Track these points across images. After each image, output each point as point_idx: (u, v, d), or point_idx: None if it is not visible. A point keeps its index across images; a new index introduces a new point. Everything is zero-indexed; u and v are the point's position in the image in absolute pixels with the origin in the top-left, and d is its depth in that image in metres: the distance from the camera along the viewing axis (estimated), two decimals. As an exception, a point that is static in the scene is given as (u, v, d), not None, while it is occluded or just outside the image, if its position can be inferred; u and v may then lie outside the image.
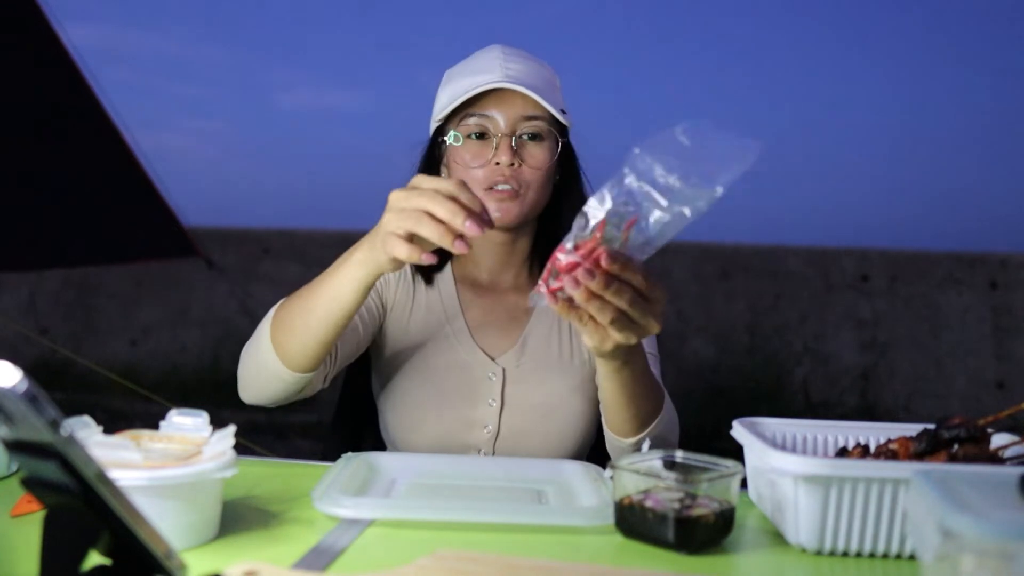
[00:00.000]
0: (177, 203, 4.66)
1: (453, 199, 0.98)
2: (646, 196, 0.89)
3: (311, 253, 6.30)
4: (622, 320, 0.95)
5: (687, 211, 0.89)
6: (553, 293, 0.94)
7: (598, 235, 0.91)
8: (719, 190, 0.88)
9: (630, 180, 0.89)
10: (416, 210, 0.99)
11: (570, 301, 0.95)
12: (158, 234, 4.75)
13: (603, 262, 0.91)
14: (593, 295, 0.93)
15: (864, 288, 5.88)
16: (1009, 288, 5.71)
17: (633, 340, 0.99)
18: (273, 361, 1.17)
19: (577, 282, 0.91)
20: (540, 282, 0.95)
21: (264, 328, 1.19)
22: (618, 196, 0.90)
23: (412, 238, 1.01)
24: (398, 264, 1.04)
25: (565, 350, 1.40)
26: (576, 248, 0.92)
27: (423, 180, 1.01)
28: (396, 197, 1.02)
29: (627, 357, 1.09)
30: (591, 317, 0.96)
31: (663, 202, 0.89)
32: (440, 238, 0.98)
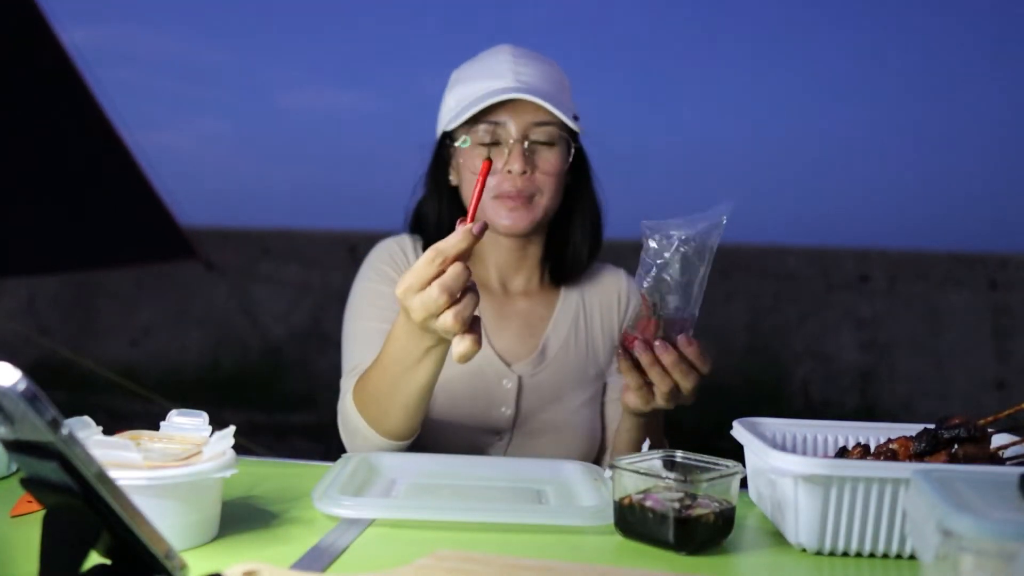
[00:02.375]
0: (177, 203, 4.66)
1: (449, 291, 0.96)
2: (668, 247, 1.05)
3: (311, 253, 6.30)
4: (674, 392, 1.08)
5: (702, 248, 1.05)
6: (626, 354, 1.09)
7: (645, 311, 1.07)
8: (723, 218, 1.04)
9: (652, 242, 1.06)
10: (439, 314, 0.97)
11: (636, 364, 1.08)
12: (157, 237, 4.75)
13: (663, 354, 1.05)
14: (655, 362, 1.06)
15: (864, 288, 5.88)
16: (1009, 288, 5.72)
17: (672, 406, 1.11)
18: (388, 444, 1.19)
19: (645, 348, 1.05)
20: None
21: (358, 421, 1.19)
22: (649, 268, 1.06)
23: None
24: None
25: (581, 361, 1.39)
26: (636, 326, 1.08)
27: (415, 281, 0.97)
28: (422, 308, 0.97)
29: (652, 416, 1.19)
30: (646, 383, 1.10)
31: (683, 234, 1.05)
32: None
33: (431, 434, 1.33)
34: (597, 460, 1.38)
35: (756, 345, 5.90)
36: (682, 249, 1.05)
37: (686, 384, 1.08)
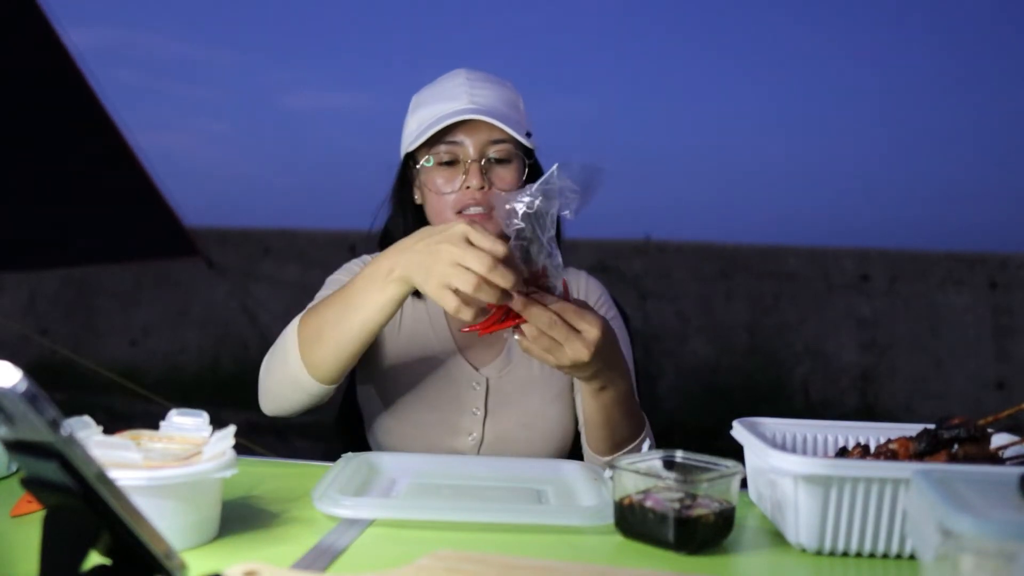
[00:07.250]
0: (178, 203, 4.66)
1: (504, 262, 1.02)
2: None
3: (311, 253, 6.30)
4: (543, 339, 1.06)
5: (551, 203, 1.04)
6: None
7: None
8: (554, 168, 1.03)
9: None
10: (476, 275, 1.02)
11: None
12: (159, 234, 4.75)
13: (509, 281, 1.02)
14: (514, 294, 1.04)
15: (864, 288, 5.88)
16: (1009, 288, 5.71)
17: (565, 361, 1.08)
18: (303, 375, 1.20)
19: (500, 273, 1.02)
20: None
21: (291, 342, 1.21)
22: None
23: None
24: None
25: None
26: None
27: (483, 240, 1.04)
28: (453, 252, 1.03)
29: (604, 383, 1.17)
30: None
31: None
32: (487, 297, 1.03)
33: (404, 436, 1.37)
34: (572, 453, 1.41)
35: (756, 345, 5.90)
36: (534, 203, 1.05)
37: (552, 331, 1.05)
